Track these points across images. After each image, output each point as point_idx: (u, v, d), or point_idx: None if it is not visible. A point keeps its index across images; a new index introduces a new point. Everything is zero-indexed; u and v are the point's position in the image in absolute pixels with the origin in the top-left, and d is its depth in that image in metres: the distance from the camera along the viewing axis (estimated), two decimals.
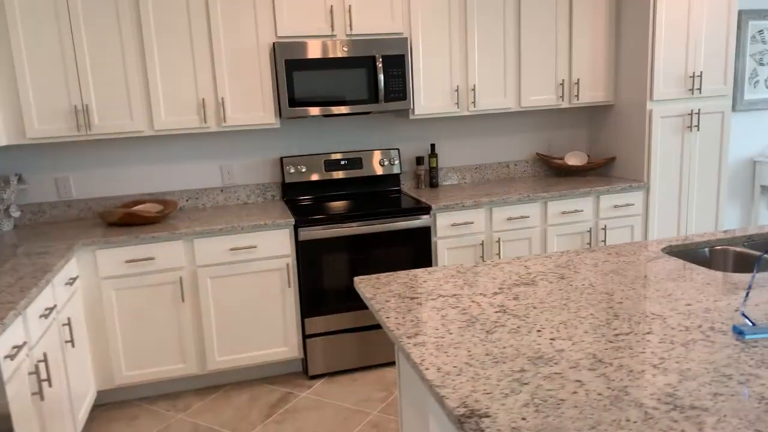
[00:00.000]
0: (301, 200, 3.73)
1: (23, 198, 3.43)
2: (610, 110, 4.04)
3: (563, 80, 3.81)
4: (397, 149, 3.87)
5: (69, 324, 2.61)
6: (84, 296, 3.00)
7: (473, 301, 1.84)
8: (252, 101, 3.35)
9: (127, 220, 3.21)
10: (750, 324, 1.51)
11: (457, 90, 3.64)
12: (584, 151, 4.32)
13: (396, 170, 3.87)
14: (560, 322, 1.64)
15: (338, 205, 3.52)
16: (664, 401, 1.21)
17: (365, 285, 2.08)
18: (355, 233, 3.30)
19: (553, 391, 1.28)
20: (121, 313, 3.07)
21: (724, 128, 3.85)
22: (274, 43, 3.30)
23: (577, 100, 3.86)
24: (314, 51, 3.32)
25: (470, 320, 1.69)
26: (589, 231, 3.69)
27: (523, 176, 4.22)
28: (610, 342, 1.50)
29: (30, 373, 2.12)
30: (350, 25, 3.41)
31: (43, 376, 2.22)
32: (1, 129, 3.03)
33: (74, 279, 2.80)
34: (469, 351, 1.49)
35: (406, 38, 3.46)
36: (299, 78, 3.32)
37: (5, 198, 3.21)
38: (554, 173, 4.23)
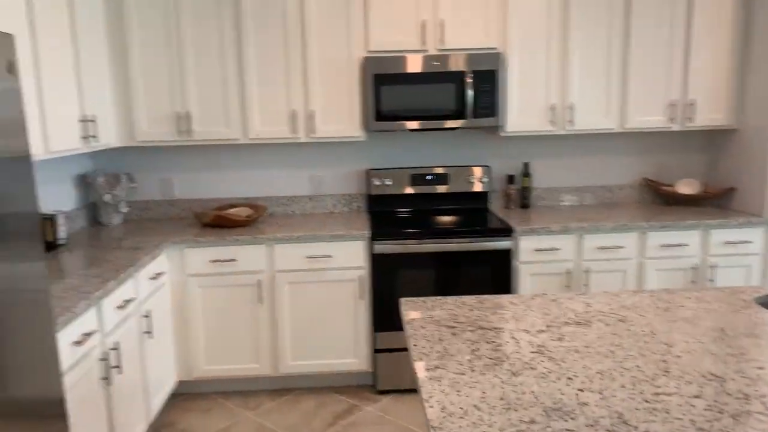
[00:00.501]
0: (385, 213, 3.73)
1: (132, 195, 3.76)
2: (732, 135, 3.62)
3: (675, 100, 3.48)
4: (488, 166, 3.75)
5: (149, 316, 2.80)
6: (171, 291, 3.21)
7: (513, 337, 1.72)
8: (340, 114, 3.41)
9: (218, 221, 3.39)
10: None
11: (552, 108, 3.45)
12: (700, 179, 3.90)
13: (485, 188, 3.75)
14: (598, 371, 1.48)
15: (420, 221, 3.47)
16: None
17: (409, 307, 2.02)
18: (430, 251, 3.24)
19: None
20: (204, 310, 3.25)
21: None
22: (364, 57, 3.34)
23: (691, 122, 3.50)
24: (403, 66, 3.31)
25: (500, 358, 1.58)
26: (695, 268, 3.32)
27: (627, 202, 3.90)
28: (646, 401, 1.32)
29: (100, 360, 2.29)
30: (442, 40, 3.36)
31: (114, 363, 2.40)
32: (114, 132, 3.35)
33: (159, 274, 3.01)
34: (483, 392, 1.39)
35: (499, 53, 3.34)
36: (387, 92, 3.32)
37: (115, 194, 3.53)
38: (663, 201, 3.86)
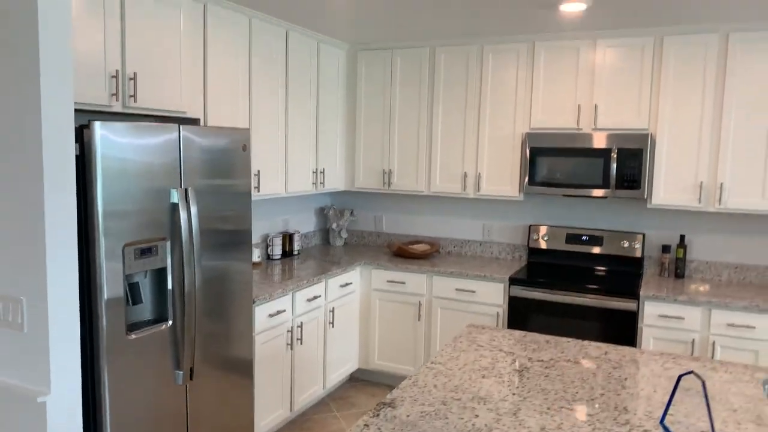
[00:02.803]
0: (542, 265, 4.30)
1: (353, 226, 5.05)
2: None
3: None
4: (642, 234, 4.04)
5: (333, 312, 3.96)
6: (360, 298, 4.34)
7: (514, 360, 2.33)
8: (502, 177, 4.16)
9: (400, 252, 4.43)
10: None
11: (701, 185, 3.65)
12: None
13: (637, 254, 4.05)
14: (540, 387, 2.05)
15: (567, 275, 3.97)
16: None
17: (466, 328, 2.72)
18: (559, 301, 3.75)
19: (467, 421, 1.84)
20: (380, 317, 4.30)
21: None
22: (525, 134, 4.04)
23: None
24: (555, 141, 3.91)
25: (485, 368, 2.23)
26: None
27: None
28: (547, 410, 1.88)
29: (288, 331, 3.49)
30: (595, 121, 3.87)
31: (297, 336, 3.58)
32: (343, 180, 4.66)
33: (349, 284, 4.16)
34: (448, 380, 2.10)
35: (648, 133, 3.71)
36: (540, 162, 3.96)
37: (340, 224, 4.85)
38: None
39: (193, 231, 2.58)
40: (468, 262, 4.32)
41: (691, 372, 1.64)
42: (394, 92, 4.45)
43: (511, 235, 4.53)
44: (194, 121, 3.14)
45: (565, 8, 3.25)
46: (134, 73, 2.72)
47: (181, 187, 2.56)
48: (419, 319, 4.18)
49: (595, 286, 3.69)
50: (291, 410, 3.62)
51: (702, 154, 3.65)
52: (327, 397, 4.18)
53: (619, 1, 3.14)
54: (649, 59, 3.73)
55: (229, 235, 2.88)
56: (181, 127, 2.55)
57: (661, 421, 1.69)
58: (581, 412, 1.87)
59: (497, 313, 3.95)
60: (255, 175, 3.60)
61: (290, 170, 3.97)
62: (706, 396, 1.63)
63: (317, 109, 4.24)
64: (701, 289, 3.65)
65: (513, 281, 3.89)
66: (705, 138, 3.64)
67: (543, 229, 4.32)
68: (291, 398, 3.61)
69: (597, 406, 1.92)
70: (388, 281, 4.25)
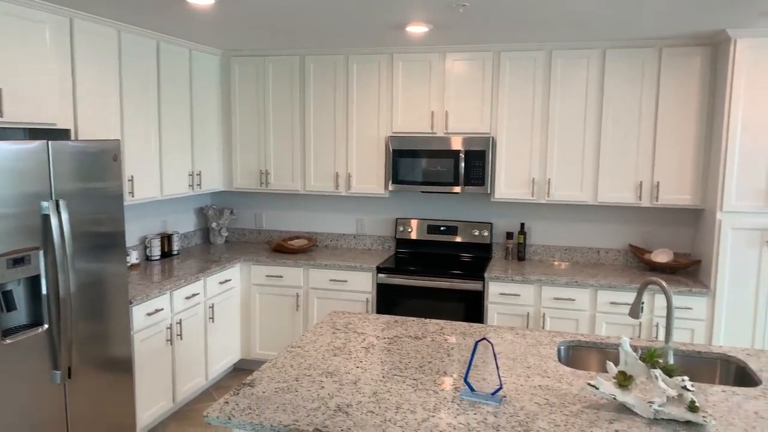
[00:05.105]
0: (408, 254, 4.78)
1: (233, 224, 5.28)
2: (701, 213, 4.08)
3: (641, 181, 4.07)
4: (490, 223, 4.62)
5: (212, 308, 4.20)
6: (240, 294, 4.60)
7: (366, 339, 2.73)
8: (369, 176, 4.57)
9: (279, 248, 4.73)
10: (469, 390, 2.13)
11: (533, 181, 4.26)
12: (685, 249, 4.35)
13: (486, 241, 4.62)
14: (381, 360, 2.46)
15: (426, 262, 4.46)
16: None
17: (329, 315, 3.09)
18: (418, 285, 4.23)
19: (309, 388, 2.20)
20: (260, 310, 4.59)
21: None
22: (388, 137, 4.47)
23: (657, 201, 4.06)
24: (414, 144, 4.38)
25: (338, 347, 2.61)
26: (640, 325, 3.88)
27: (614, 264, 4.48)
28: (389, 377, 2.29)
29: (167, 328, 3.70)
30: (446, 126, 4.37)
31: (177, 332, 3.80)
32: (221, 180, 4.88)
33: (228, 281, 4.41)
34: (305, 360, 2.46)
35: (490, 137, 4.26)
36: (402, 162, 4.42)
37: (220, 223, 5.06)
38: (646, 267, 4.38)
39: (66, 239, 2.74)
40: (343, 255, 4.70)
41: (484, 339, 2.10)
42: (267, 97, 4.73)
43: (382, 228, 4.97)
44: (65, 132, 3.26)
45: (410, 30, 3.69)
46: (0, 89, 2.82)
47: (52, 199, 2.71)
48: (297, 310, 4.52)
49: (449, 271, 4.20)
50: (174, 401, 3.84)
51: (534, 155, 4.26)
52: (211, 387, 4.42)
53: (456, 25, 3.62)
54: (489, 72, 4.28)
55: (102, 240, 3.05)
56: (50, 143, 2.70)
57: (465, 379, 2.15)
58: (410, 377, 2.30)
59: (367, 299, 4.37)
60: (129, 180, 3.75)
61: (165, 174, 4.14)
62: (494, 355, 2.11)
63: (192, 113, 4.43)
64: (535, 269, 4.27)
65: (380, 270, 4.32)
66: (536, 141, 4.25)
67: (408, 222, 4.80)
68: (173, 390, 3.82)
69: (423, 372, 2.36)
70: (267, 276, 4.54)
